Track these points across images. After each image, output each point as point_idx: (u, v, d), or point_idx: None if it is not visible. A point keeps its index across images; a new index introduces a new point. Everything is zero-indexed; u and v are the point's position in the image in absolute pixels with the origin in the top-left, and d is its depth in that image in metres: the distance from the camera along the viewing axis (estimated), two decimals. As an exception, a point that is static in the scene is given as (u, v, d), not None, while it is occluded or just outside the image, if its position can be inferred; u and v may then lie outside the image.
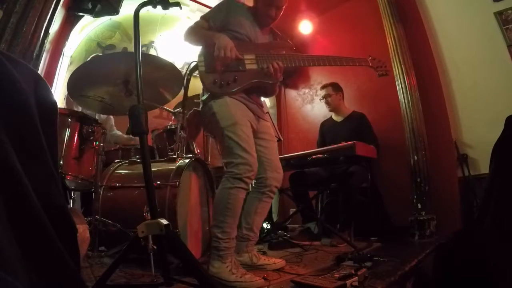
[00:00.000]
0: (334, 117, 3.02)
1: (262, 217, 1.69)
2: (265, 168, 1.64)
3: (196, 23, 1.66)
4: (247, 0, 1.79)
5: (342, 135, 2.73)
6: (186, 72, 1.71)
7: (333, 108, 2.95)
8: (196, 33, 1.63)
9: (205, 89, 1.62)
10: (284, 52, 1.69)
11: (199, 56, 1.59)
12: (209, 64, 1.55)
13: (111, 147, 2.38)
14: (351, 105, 3.06)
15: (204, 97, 1.62)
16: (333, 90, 2.92)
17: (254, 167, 1.49)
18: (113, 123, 2.84)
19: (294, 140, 3.95)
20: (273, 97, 4.23)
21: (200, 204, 1.86)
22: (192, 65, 1.69)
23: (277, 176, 1.68)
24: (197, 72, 1.63)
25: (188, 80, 1.73)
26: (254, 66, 1.60)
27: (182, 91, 2.01)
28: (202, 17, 1.69)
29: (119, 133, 2.82)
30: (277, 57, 1.62)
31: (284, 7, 1.70)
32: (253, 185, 1.74)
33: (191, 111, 1.70)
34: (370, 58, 1.84)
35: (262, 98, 1.82)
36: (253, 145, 1.53)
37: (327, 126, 3.07)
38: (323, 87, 3.01)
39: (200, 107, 1.67)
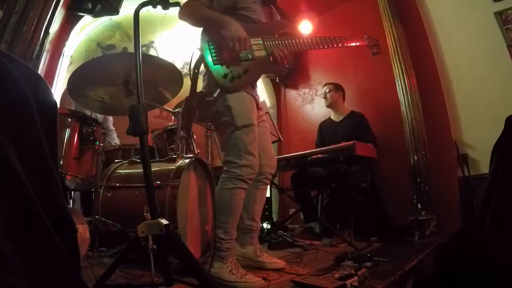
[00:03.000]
0: (333, 117, 3.03)
1: (260, 205, 1.68)
2: (260, 156, 1.55)
3: None
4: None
5: (341, 134, 2.75)
6: (190, 67, 1.48)
7: (330, 103, 2.97)
8: (197, 12, 1.44)
9: (214, 83, 1.45)
10: (287, 31, 1.65)
11: (203, 43, 1.43)
12: (216, 54, 1.40)
13: (111, 147, 2.38)
14: (351, 105, 3.06)
15: (216, 94, 1.44)
16: (334, 88, 2.97)
17: (256, 169, 1.47)
18: (110, 124, 2.83)
19: (294, 140, 3.95)
20: (273, 97, 4.25)
21: (200, 204, 1.86)
22: (195, 55, 1.44)
23: (271, 163, 1.67)
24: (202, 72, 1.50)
25: (196, 74, 1.46)
26: (262, 53, 1.49)
27: (183, 91, 1.99)
28: None
29: (114, 137, 2.80)
30: (281, 40, 1.54)
31: None
32: None
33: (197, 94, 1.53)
34: (366, 36, 1.87)
35: (262, 98, 1.81)
36: (257, 146, 1.49)
37: (325, 126, 3.08)
38: (325, 85, 3.05)
39: (203, 93, 1.52)
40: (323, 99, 3.05)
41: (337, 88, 2.98)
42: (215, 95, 1.44)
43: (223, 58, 1.40)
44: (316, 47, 1.70)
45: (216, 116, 1.50)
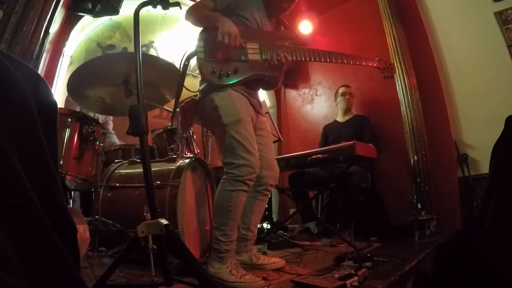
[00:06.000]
0: (339, 118, 3.07)
1: (259, 216, 1.66)
2: (261, 166, 1.52)
3: (201, 1, 1.56)
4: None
5: (344, 135, 2.78)
6: (183, 58, 1.55)
7: (349, 106, 3.01)
8: (199, 12, 1.52)
9: (203, 78, 1.50)
10: (288, 43, 1.60)
11: (199, 41, 1.47)
12: (209, 50, 1.44)
13: (111, 147, 2.38)
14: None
15: (202, 87, 1.51)
16: (353, 94, 3.03)
17: (256, 168, 1.43)
18: (110, 128, 2.82)
19: (294, 140, 3.95)
20: (273, 97, 4.23)
21: (200, 204, 1.86)
22: (190, 51, 1.52)
23: (273, 174, 1.63)
24: (196, 72, 1.59)
25: (186, 66, 1.54)
26: (257, 57, 1.50)
27: (183, 90, 2.00)
28: None
29: (114, 139, 2.80)
30: (281, 49, 1.53)
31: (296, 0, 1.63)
32: None
33: (188, 99, 1.59)
34: (377, 58, 1.81)
35: (262, 98, 1.78)
36: (255, 144, 1.46)
37: (330, 128, 3.11)
38: (349, 87, 3.06)
39: (198, 97, 1.56)
40: (320, 98, 3.05)
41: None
42: (201, 87, 1.51)
43: (212, 54, 1.44)
44: (316, 59, 1.64)
45: (208, 119, 1.54)
